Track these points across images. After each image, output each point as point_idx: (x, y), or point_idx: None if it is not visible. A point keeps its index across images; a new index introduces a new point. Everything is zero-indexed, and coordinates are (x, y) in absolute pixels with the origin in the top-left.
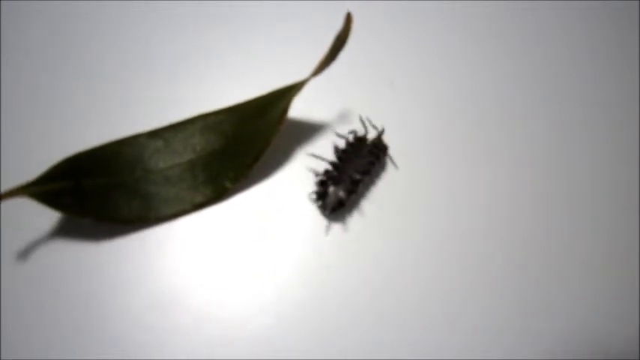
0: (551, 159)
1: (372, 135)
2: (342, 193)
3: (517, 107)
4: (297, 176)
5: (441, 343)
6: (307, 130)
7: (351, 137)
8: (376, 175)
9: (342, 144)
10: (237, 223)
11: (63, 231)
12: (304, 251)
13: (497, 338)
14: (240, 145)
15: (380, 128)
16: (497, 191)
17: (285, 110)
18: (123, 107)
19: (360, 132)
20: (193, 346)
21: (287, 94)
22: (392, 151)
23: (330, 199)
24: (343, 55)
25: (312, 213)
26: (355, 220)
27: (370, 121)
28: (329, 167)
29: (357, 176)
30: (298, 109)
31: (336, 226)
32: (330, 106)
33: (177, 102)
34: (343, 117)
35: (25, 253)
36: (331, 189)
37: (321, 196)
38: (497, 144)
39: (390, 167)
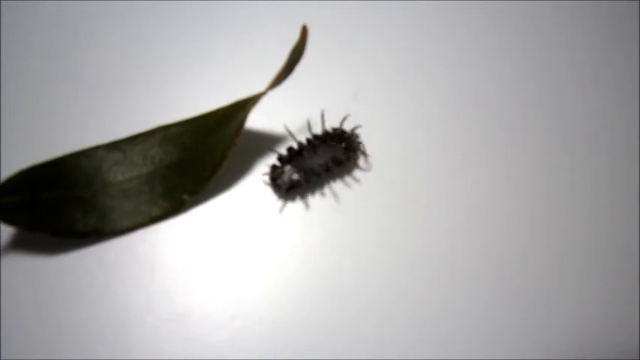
0: (550, 159)
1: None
2: (296, 176)
3: (495, 114)
4: (257, 188)
5: (440, 344)
6: (268, 142)
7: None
8: (345, 171)
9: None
10: (196, 236)
11: (17, 245)
12: (264, 262)
13: (497, 338)
14: (199, 157)
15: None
16: (476, 200)
17: (242, 123)
18: (81, 118)
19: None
20: None
21: (244, 106)
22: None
23: (283, 180)
24: (306, 67)
25: (272, 224)
26: (316, 229)
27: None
28: (292, 148)
29: (318, 168)
30: (260, 121)
31: (297, 235)
32: (292, 118)
33: (134, 113)
34: (305, 129)
35: None
36: (287, 168)
37: (276, 174)
38: (470, 154)
39: (360, 174)
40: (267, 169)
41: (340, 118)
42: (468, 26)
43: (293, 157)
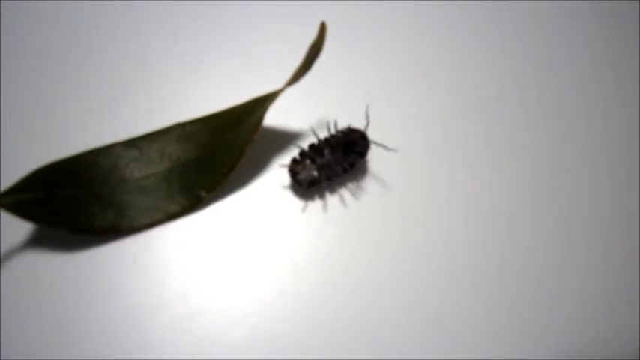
0: (550, 159)
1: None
2: (315, 172)
3: (495, 114)
4: (274, 186)
5: (440, 345)
6: (284, 140)
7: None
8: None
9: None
10: (212, 233)
11: (37, 241)
12: (280, 260)
13: (497, 338)
14: (216, 154)
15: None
16: (477, 200)
17: (260, 120)
18: (81, 118)
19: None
20: None
21: (262, 103)
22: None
23: (303, 175)
24: (321, 65)
25: (288, 222)
26: (331, 228)
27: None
28: (314, 145)
29: (337, 167)
30: (276, 119)
31: (312, 234)
32: (307, 116)
33: (135, 113)
34: (320, 126)
35: None
36: (307, 163)
37: (296, 169)
38: (480, 152)
39: (372, 174)
40: (287, 161)
41: (349, 118)
42: (467, 26)
43: (315, 153)
